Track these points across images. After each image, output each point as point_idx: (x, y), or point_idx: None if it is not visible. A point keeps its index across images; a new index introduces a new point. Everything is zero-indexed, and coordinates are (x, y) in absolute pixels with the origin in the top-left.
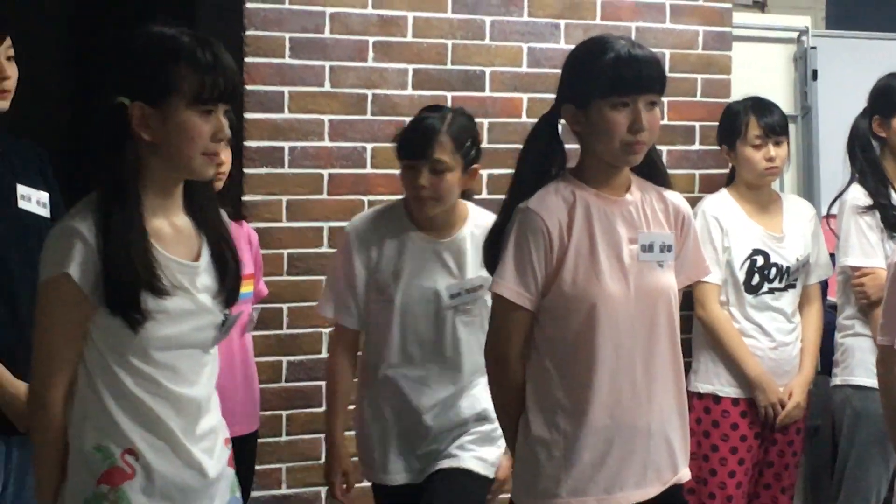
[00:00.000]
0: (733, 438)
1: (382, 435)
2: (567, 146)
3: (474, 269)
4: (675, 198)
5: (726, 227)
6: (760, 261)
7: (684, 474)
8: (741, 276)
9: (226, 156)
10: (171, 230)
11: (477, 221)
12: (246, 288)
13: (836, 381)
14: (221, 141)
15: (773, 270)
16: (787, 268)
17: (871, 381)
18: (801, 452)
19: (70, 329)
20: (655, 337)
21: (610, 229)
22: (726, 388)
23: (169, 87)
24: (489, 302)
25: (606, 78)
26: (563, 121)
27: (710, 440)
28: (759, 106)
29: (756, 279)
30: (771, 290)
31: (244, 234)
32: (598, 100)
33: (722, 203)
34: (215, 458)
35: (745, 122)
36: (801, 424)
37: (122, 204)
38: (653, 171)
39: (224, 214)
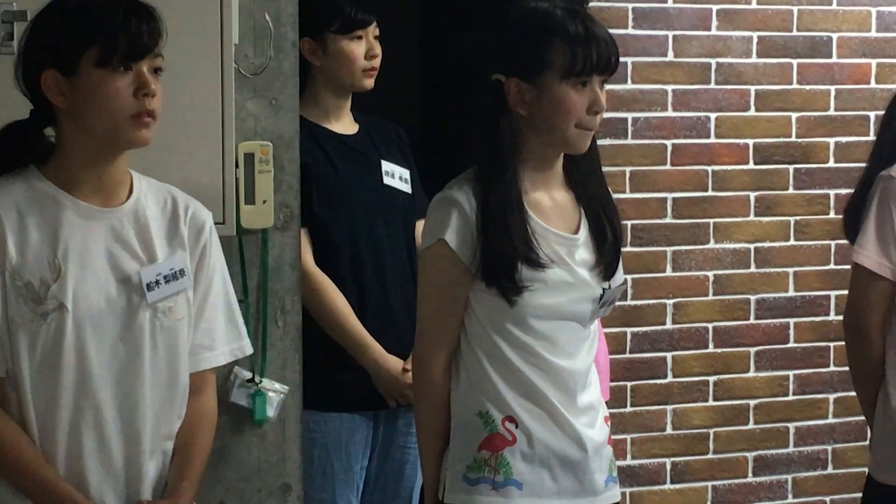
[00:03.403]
0: None
1: None
2: None
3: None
4: None
5: None
6: None
7: None
8: None
9: None
10: (550, 203)
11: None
12: None
13: None
14: (598, 113)
15: None
16: None
17: None
18: None
19: (450, 296)
20: None
21: None
22: None
23: (542, 62)
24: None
25: None
26: None
27: None
28: None
29: None
30: None
31: None
32: None
33: None
34: (595, 433)
35: None
36: None
37: (500, 177)
38: None
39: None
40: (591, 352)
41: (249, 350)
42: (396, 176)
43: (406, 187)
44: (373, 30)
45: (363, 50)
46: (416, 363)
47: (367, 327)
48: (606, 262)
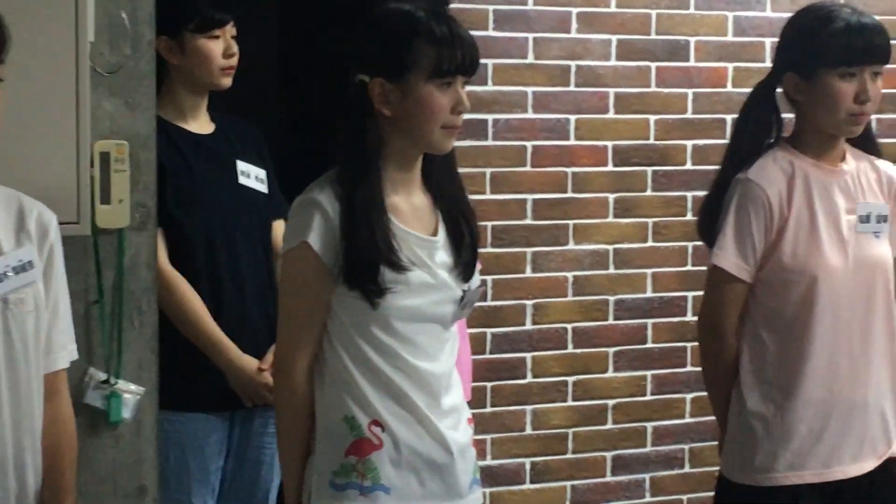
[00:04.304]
0: None
1: None
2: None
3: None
4: (888, 167)
5: None
6: None
7: None
8: None
9: None
10: (409, 205)
11: None
12: None
13: None
14: (461, 113)
15: None
16: None
17: None
18: None
19: (312, 298)
20: (872, 308)
21: (828, 200)
22: None
23: (408, 62)
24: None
25: (835, 47)
26: (779, 89)
27: None
28: None
29: None
30: None
31: None
32: (824, 69)
33: None
34: (460, 435)
35: None
36: None
37: (363, 179)
38: (864, 141)
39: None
40: (452, 354)
41: (76, 355)
42: (252, 176)
43: (262, 187)
44: (230, 29)
45: (221, 49)
46: (278, 367)
47: (222, 327)
48: (465, 263)
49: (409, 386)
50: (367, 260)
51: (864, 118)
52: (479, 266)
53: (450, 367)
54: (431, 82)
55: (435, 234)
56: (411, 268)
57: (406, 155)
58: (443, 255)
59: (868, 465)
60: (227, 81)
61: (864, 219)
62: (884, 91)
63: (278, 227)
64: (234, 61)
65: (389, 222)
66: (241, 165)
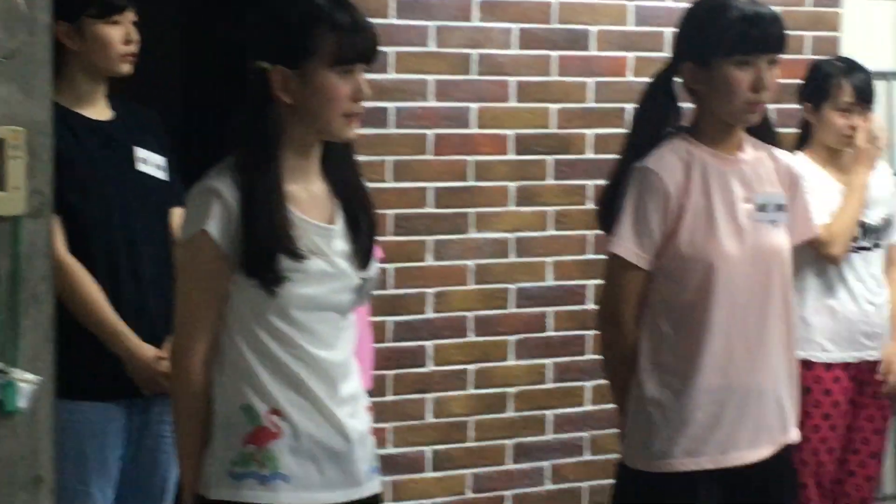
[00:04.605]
0: (826, 405)
1: None
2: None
3: None
4: (786, 157)
5: (813, 187)
6: None
7: (794, 434)
8: None
9: None
10: (307, 193)
11: None
12: None
13: None
14: (361, 101)
15: (860, 230)
16: (872, 226)
17: None
18: (890, 417)
19: (210, 287)
20: (769, 297)
21: (726, 189)
22: (818, 353)
23: (309, 49)
24: None
25: (731, 36)
26: (677, 78)
27: (802, 407)
28: (853, 69)
29: None
30: (858, 249)
31: None
32: (720, 58)
33: (802, 164)
34: (358, 423)
35: (836, 85)
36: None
37: (263, 167)
38: (763, 130)
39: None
40: (350, 342)
41: None
42: (151, 163)
43: (161, 174)
44: (131, 15)
45: (121, 35)
46: (174, 356)
47: (120, 315)
48: (362, 251)
49: (308, 374)
50: (265, 248)
51: (760, 107)
52: (380, 255)
53: (348, 355)
54: (332, 70)
55: (332, 222)
56: (309, 256)
57: (305, 142)
58: (340, 244)
59: (765, 451)
60: (126, 68)
61: (762, 208)
62: (782, 81)
63: (177, 214)
64: (134, 48)
65: (288, 211)
66: (140, 152)
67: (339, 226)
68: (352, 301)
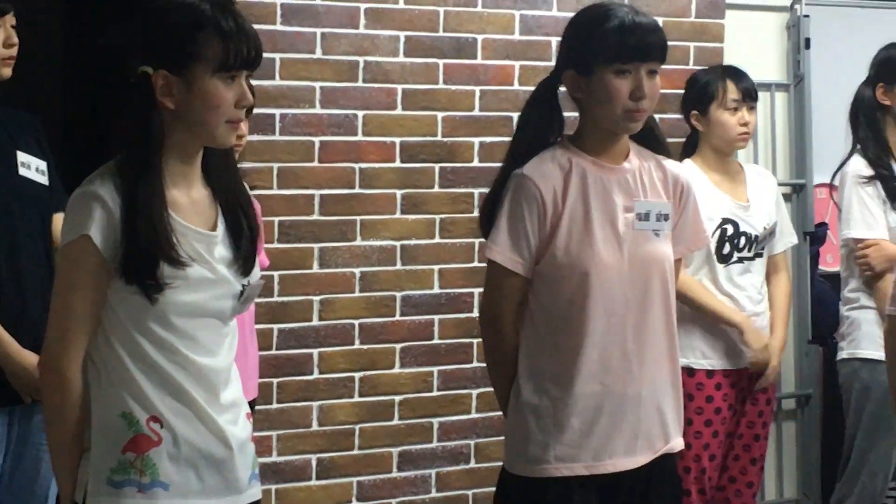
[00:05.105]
0: (708, 411)
1: None
2: (565, 114)
3: None
4: (674, 167)
5: (700, 195)
6: (730, 230)
7: (677, 444)
8: (712, 245)
9: (245, 126)
10: (188, 199)
11: None
12: None
13: (843, 354)
14: (245, 107)
15: (743, 240)
16: (756, 236)
17: (879, 354)
18: (770, 423)
19: (88, 293)
20: (649, 306)
21: (605, 197)
22: (700, 360)
23: (192, 55)
24: None
25: (610, 45)
26: (562, 87)
27: (684, 414)
28: (734, 71)
29: (727, 248)
30: (741, 260)
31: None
32: (600, 66)
33: (689, 173)
34: (239, 430)
35: (721, 86)
36: (772, 394)
37: (145, 172)
38: (652, 140)
39: (246, 186)
40: (231, 349)
41: None
42: (33, 167)
43: (43, 179)
44: (10, 18)
45: (0, 38)
46: (48, 362)
47: (0, 321)
48: (244, 257)
49: (188, 381)
50: (146, 255)
51: (640, 115)
52: (266, 262)
53: (229, 362)
54: (216, 76)
55: (214, 228)
56: (190, 263)
57: (188, 148)
58: (222, 250)
59: (643, 458)
60: (6, 72)
61: (644, 217)
62: (666, 91)
63: (59, 219)
64: (13, 51)
65: (170, 217)
66: (22, 156)
67: (221, 232)
68: (233, 308)
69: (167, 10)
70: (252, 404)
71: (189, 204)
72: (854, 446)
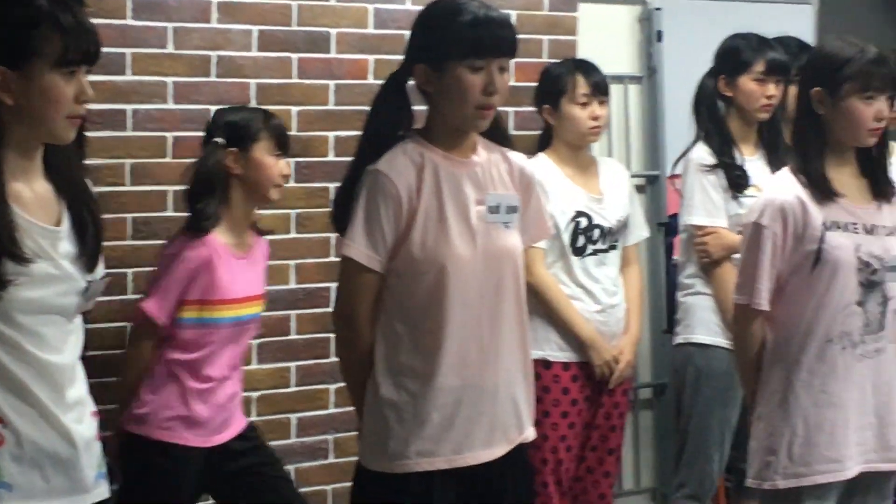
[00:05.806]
0: (564, 403)
1: None
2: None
3: None
4: (519, 159)
5: (549, 190)
6: (584, 223)
7: (530, 433)
8: (566, 238)
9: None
10: (31, 194)
11: None
12: (255, 308)
13: (678, 339)
14: (85, 103)
15: (597, 232)
16: (610, 229)
17: (712, 339)
18: (626, 414)
19: None
20: (502, 297)
21: (458, 191)
22: (556, 352)
23: (31, 50)
24: None
25: (464, 40)
26: (411, 80)
27: (541, 405)
28: (585, 66)
29: (581, 241)
30: (595, 252)
31: (263, 251)
32: (453, 61)
33: (542, 166)
34: (84, 429)
35: (571, 80)
36: (628, 385)
37: None
38: (496, 133)
39: (89, 181)
40: (76, 346)
41: None
42: None
43: None
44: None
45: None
46: None
47: None
48: (89, 253)
49: (32, 379)
50: None
51: (490, 111)
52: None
53: (74, 359)
54: (55, 71)
55: (58, 223)
56: (34, 259)
57: (27, 143)
58: (66, 246)
59: (499, 450)
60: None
61: (494, 209)
62: (521, 84)
63: None
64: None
65: (12, 212)
66: None
67: (66, 227)
68: (78, 304)
69: (4, 5)
70: None
71: (33, 198)
72: (689, 430)
